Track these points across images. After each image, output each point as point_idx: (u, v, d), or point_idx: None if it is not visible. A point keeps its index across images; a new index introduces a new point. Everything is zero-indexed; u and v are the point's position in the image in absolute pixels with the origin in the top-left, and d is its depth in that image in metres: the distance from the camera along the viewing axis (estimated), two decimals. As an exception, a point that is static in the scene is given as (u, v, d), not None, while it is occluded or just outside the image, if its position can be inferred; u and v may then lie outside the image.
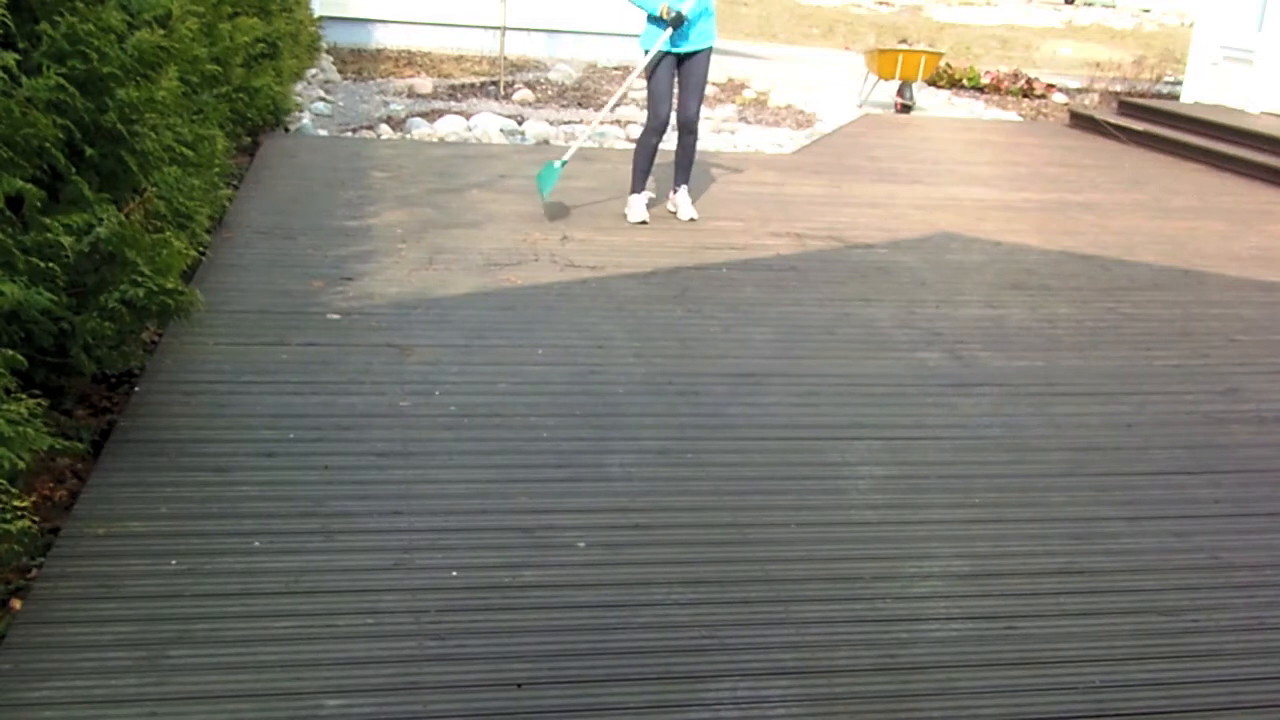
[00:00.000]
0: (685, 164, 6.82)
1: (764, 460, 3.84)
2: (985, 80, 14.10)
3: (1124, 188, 8.74)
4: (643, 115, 10.77)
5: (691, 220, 6.79)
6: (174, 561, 3.02)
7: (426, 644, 2.76)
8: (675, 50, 6.42)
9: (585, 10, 14.14)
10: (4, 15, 3.23)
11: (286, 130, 8.97)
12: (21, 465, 2.84)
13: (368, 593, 2.95)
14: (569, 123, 10.17)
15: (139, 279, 3.57)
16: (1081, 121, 11.59)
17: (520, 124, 9.87)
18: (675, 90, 6.57)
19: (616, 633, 2.85)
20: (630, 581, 3.08)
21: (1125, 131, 10.76)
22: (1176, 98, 12.44)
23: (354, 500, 3.40)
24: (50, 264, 3.27)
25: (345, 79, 11.98)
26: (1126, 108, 11.82)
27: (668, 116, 6.54)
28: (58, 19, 3.45)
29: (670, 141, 6.73)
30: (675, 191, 6.92)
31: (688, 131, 6.66)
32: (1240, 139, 9.87)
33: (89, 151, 3.60)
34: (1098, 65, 14.98)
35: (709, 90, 12.70)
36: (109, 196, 3.66)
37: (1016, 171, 9.15)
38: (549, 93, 11.83)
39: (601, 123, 8.61)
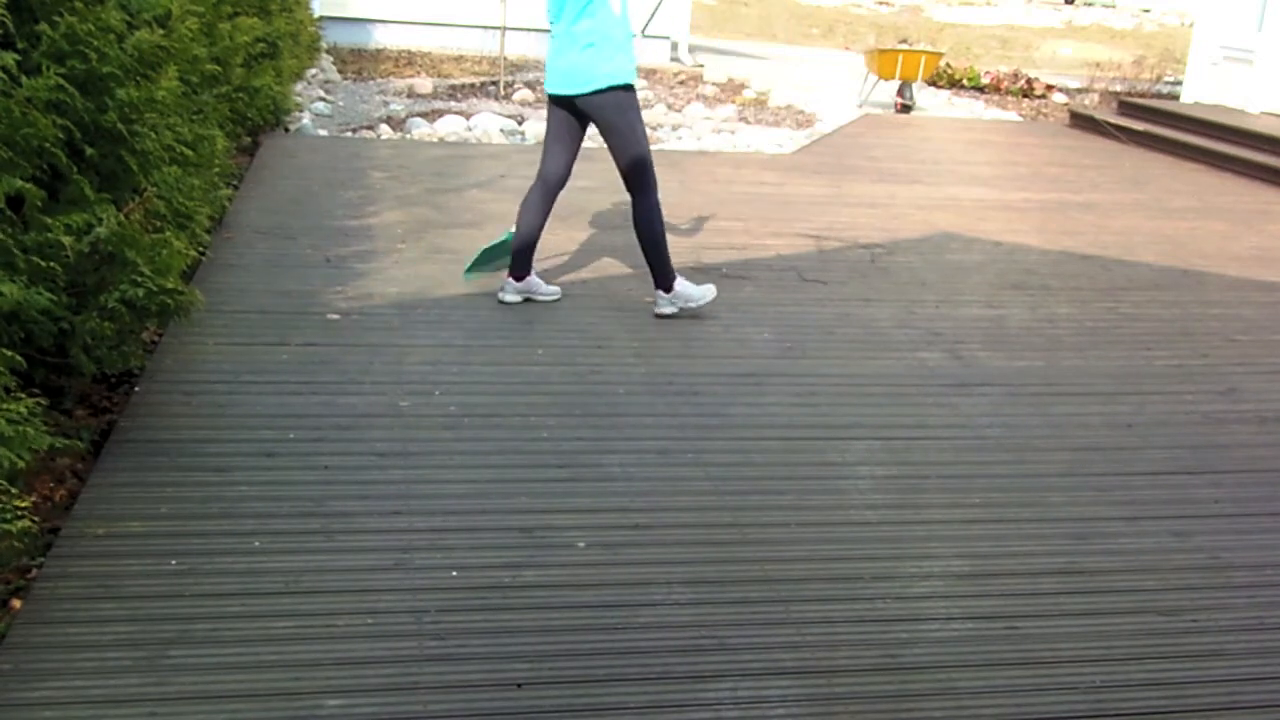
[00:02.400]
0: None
1: (764, 460, 3.83)
2: (985, 80, 14.11)
3: (1124, 188, 8.75)
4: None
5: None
6: (174, 561, 3.02)
7: (426, 644, 2.76)
8: None
9: (585, 10, 14.12)
10: (4, 15, 3.23)
11: (286, 130, 8.97)
12: (21, 465, 2.84)
13: (368, 593, 2.95)
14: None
15: (139, 279, 3.57)
16: (1081, 121, 11.59)
17: (520, 124, 9.87)
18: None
19: (616, 633, 2.85)
20: (630, 581, 3.08)
21: (1125, 131, 10.76)
22: (1176, 98, 12.45)
23: (354, 500, 3.40)
24: (50, 264, 3.27)
25: (345, 79, 11.98)
26: (1126, 108, 11.82)
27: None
28: (57, 19, 3.44)
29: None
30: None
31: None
32: (1240, 139, 9.87)
33: (89, 151, 3.60)
34: (1098, 65, 14.98)
35: (709, 90, 12.71)
36: (109, 196, 3.66)
37: (1016, 171, 9.15)
38: (549, 93, 11.82)
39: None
